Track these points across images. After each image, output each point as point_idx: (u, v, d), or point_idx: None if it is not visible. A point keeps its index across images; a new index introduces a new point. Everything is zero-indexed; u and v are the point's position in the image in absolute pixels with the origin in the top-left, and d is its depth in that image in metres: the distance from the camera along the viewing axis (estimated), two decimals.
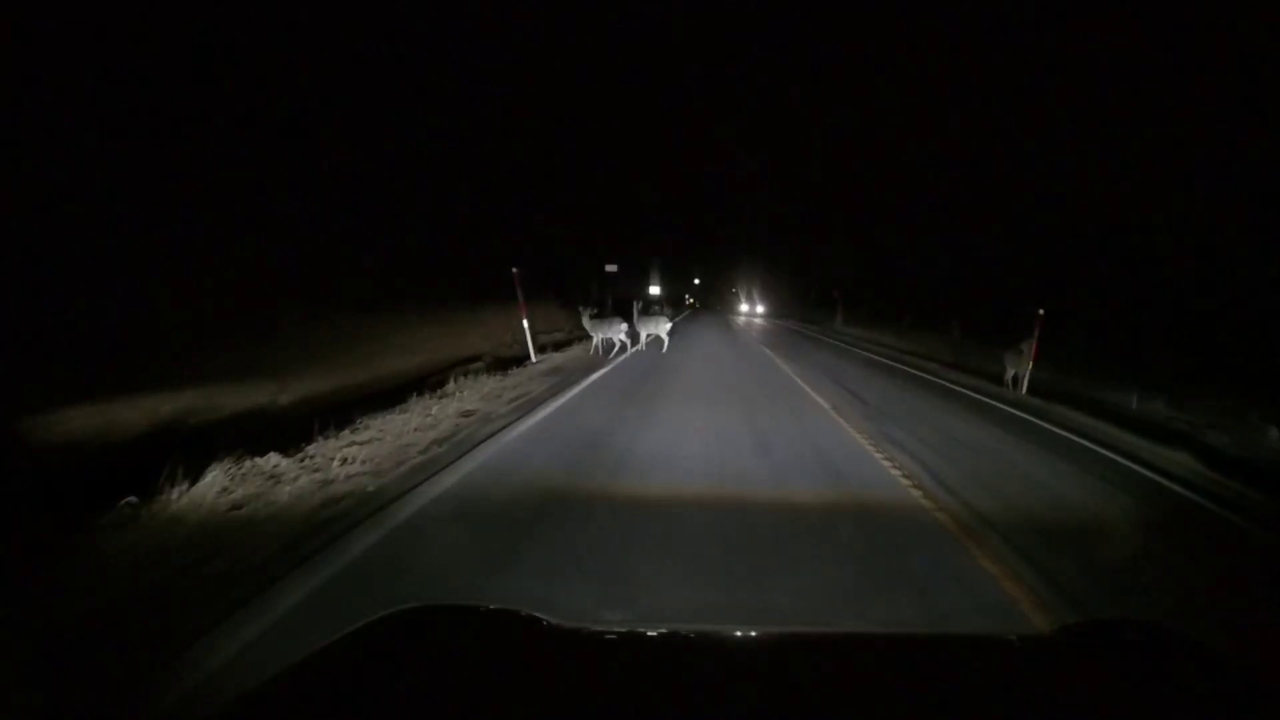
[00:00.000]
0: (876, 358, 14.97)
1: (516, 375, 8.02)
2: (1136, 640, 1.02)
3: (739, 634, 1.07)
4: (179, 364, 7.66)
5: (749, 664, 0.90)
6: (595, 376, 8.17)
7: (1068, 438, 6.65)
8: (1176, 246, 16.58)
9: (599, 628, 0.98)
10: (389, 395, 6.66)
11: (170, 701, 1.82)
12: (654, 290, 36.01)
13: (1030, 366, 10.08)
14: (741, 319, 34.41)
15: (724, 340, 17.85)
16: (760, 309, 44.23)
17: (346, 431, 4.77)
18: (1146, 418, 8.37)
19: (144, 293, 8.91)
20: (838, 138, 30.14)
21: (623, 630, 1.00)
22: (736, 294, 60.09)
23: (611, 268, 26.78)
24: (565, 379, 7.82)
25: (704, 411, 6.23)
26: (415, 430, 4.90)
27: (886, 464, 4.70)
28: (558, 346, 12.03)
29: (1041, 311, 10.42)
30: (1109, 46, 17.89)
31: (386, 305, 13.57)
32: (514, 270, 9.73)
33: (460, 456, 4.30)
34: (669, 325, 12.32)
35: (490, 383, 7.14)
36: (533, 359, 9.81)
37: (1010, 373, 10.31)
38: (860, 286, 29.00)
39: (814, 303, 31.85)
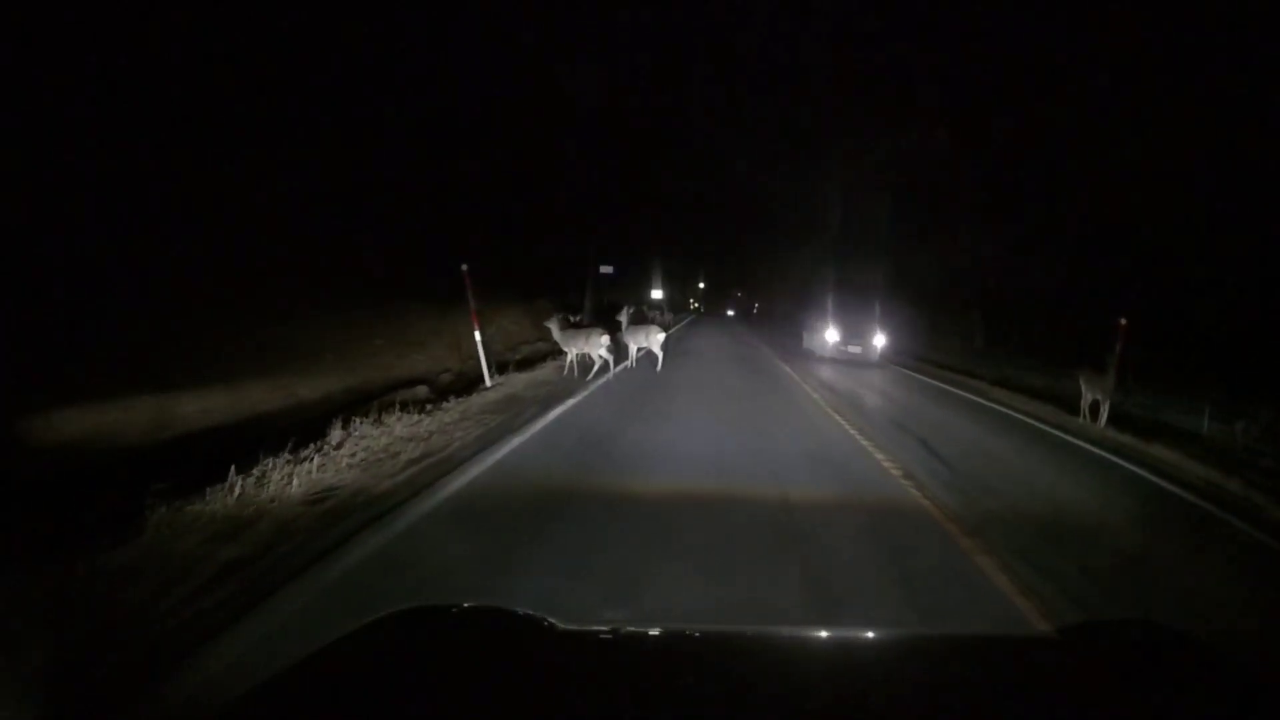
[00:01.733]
0: (908, 372, 12.94)
1: (451, 410, 5.97)
2: (1136, 640, 0.99)
3: (739, 634, 1.05)
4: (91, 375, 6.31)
5: (749, 664, 0.86)
6: (557, 412, 6.13)
7: (1222, 519, 4.65)
8: (1195, 243, 14.74)
9: (598, 628, 0.96)
10: (277, 435, 4.64)
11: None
12: (656, 294, 33.55)
13: (1112, 392, 8.04)
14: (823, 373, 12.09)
15: (727, 351, 15.78)
16: (881, 341, 14.11)
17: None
18: (1231, 449, 7.12)
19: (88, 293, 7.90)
20: (839, 131, 28.02)
21: (622, 630, 0.97)
22: (740, 297, 57.87)
23: (606, 269, 24.74)
24: (513, 418, 5.78)
25: (706, 491, 4.19)
26: (202, 543, 2.88)
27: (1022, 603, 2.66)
28: (528, 364, 9.98)
29: (1124, 321, 8.39)
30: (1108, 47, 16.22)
31: (352, 306, 11.84)
32: (463, 268, 7.73)
33: (219, 630, 2.27)
34: (662, 336, 10.18)
35: (400, 426, 5.07)
36: (487, 383, 7.77)
37: (1088, 399, 8.23)
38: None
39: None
